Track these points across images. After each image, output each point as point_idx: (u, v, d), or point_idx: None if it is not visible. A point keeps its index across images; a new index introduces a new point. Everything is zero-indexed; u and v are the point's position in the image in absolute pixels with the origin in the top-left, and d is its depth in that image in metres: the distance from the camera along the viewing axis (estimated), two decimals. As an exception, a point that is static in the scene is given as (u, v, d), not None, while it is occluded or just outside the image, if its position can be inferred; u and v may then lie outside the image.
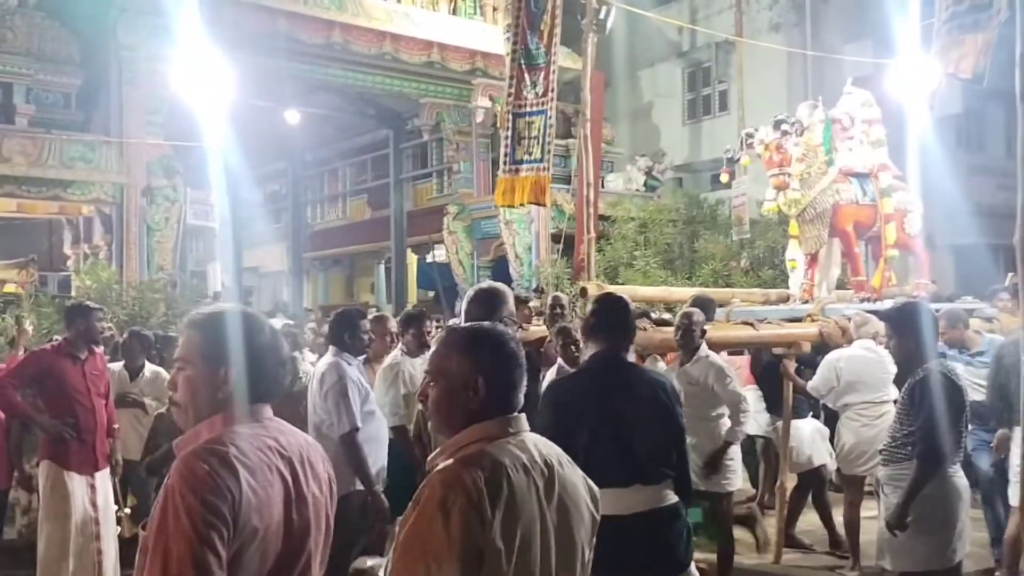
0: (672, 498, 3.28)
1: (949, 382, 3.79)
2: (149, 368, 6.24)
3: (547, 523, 1.85)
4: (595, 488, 2.07)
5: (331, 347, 4.74)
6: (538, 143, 7.56)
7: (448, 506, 1.72)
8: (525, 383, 2.00)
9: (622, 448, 3.21)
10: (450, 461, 1.84)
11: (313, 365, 5.82)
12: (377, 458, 4.62)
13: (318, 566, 1.99)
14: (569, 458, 2.04)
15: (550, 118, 7.63)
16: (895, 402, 4.26)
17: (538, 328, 6.68)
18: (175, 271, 11.43)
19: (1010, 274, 7.53)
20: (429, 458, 1.96)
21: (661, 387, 3.38)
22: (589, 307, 3.56)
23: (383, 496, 4.38)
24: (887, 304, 6.65)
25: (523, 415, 1.98)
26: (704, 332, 5.30)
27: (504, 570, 1.74)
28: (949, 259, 15.94)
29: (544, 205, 8.38)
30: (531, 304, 8.67)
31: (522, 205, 7.88)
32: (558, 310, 6.70)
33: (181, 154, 11.65)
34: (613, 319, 3.38)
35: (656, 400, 3.30)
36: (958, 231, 16.50)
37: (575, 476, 1.99)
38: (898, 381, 4.43)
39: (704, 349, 5.24)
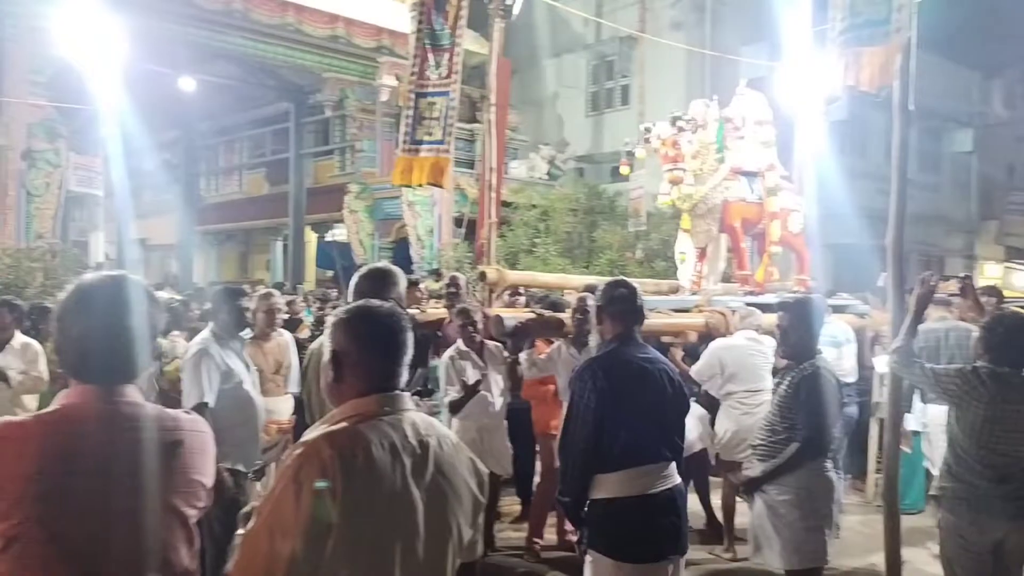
0: (678, 477, 3.42)
1: (834, 380, 3.92)
2: (19, 339, 5.94)
3: (413, 502, 1.87)
4: (483, 470, 2.10)
5: (209, 324, 4.71)
6: (439, 124, 7.51)
7: (301, 478, 1.74)
8: (406, 362, 2.00)
9: (656, 424, 3.33)
10: (315, 434, 1.86)
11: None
12: (250, 438, 4.58)
13: None
14: (454, 438, 2.07)
15: (452, 100, 7.60)
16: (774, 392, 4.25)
17: (435, 310, 6.71)
18: (55, 239, 10.90)
19: (883, 273, 8.00)
20: (306, 432, 1.97)
21: (670, 369, 3.53)
22: (601, 291, 3.60)
23: (227, 475, 4.28)
24: (770, 298, 6.97)
25: (404, 394, 1.99)
26: None
27: (354, 545, 1.75)
28: (829, 257, 16.72)
29: (442, 187, 8.36)
30: (426, 287, 8.69)
31: (420, 186, 7.83)
32: (453, 289, 6.74)
33: (66, 117, 11.10)
34: (624, 303, 3.48)
35: (669, 380, 3.43)
36: (839, 231, 17.36)
37: (456, 458, 2.01)
38: (776, 372, 4.41)
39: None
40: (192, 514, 1.97)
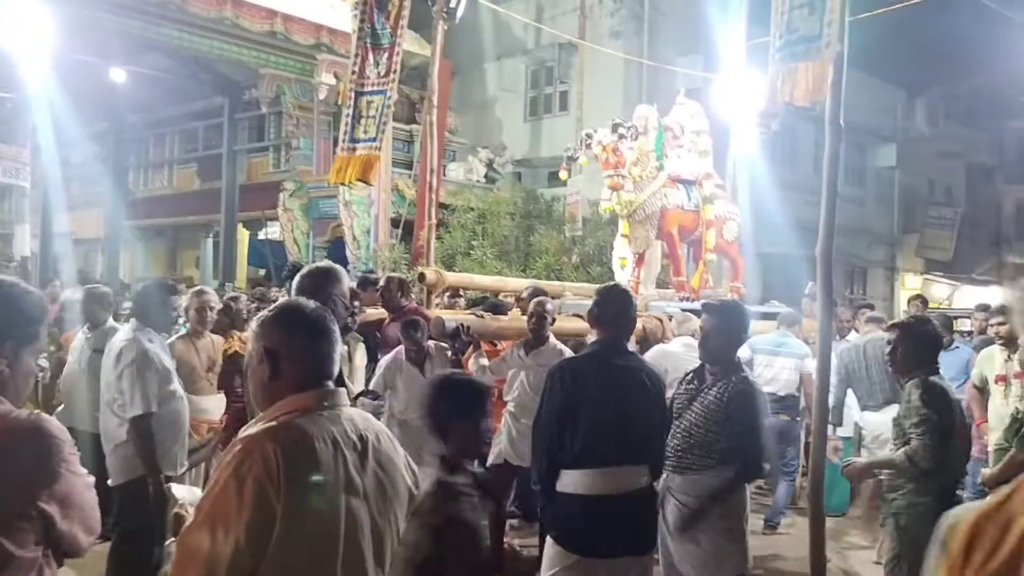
0: (647, 480, 3.51)
1: (763, 394, 3.89)
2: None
3: (358, 494, 1.90)
4: (414, 466, 2.16)
5: (132, 320, 4.58)
6: (375, 122, 7.52)
7: (243, 473, 1.74)
8: (337, 357, 2.03)
9: (618, 429, 3.39)
10: (255, 430, 1.87)
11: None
12: (176, 441, 4.50)
13: None
14: (389, 434, 2.11)
15: (389, 98, 7.61)
16: None
17: (375, 310, 6.68)
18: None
19: (810, 282, 8.25)
20: (242, 430, 1.98)
21: (652, 375, 3.60)
22: (595, 297, 3.71)
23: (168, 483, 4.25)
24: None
25: (341, 389, 2.02)
26: (554, 320, 5.53)
27: (298, 539, 1.77)
28: (760, 265, 17.14)
29: (370, 184, 8.37)
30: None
31: (351, 184, 7.82)
32: (387, 291, 6.70)
33: (-10, 105, 10.71)
34: (619, 308, 3.59)
35: (648, 387, 3.51)
36: (769, 240, 17.82)
37: (393, 452, 2.05)
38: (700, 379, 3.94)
39: (551, 337, 5.47)
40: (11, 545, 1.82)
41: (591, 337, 5.58)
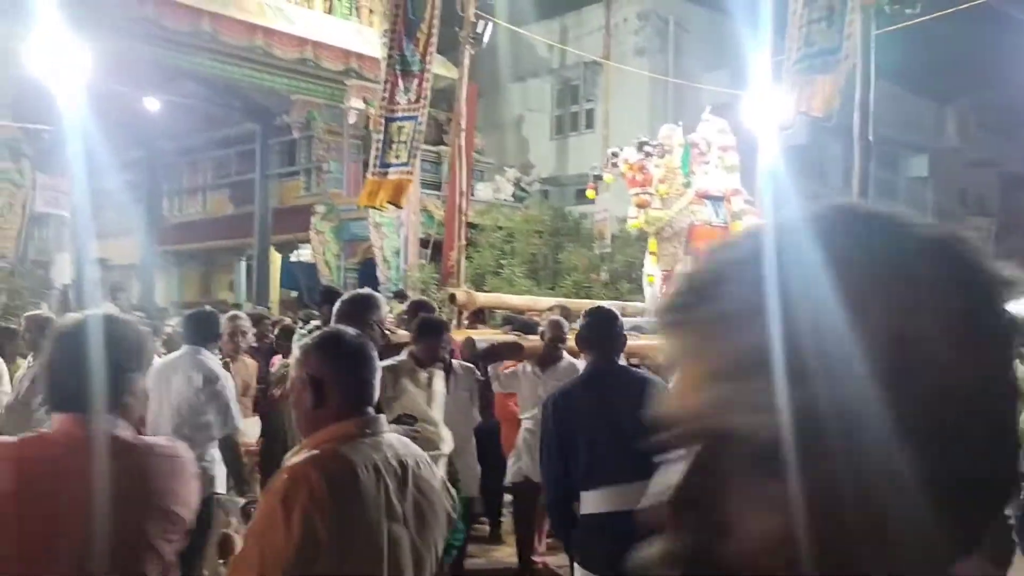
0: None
1: None
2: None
3: (398, 520, 1.94)
4: (453, 491, 2.21)
5: (188, 346, 4.66)
6: (406, 147, 7.64)
7: (290, 501, 1.79)
8: (377, 383, 2.08)
9: (623, 447, 3.37)
10: (301, 457, 1.92)
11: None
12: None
13: None
14: (428, 459, 2.16)
15: (420, 123, 7.73)
16: None
17: (404, 332, 6.74)
18: (14, 259, 10.76)
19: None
20: (287, 456, 2.04)
21: (652, 385, 3.61)
22: (581, 320, 3.78)
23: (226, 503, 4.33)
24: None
25: (381, 416, 2.08)
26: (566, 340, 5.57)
27: (342, 565, 1.81)
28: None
29: (400, 206, 8.48)
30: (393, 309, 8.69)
31: (383, 207, 7.94)
32: (413, 315, 6.75)
33: (31, 137, 10.98)
34: (603, 330, 3.64)
35: (647, 397, 3.49)
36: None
37: (432, 476, 2.10)
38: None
39: (565, 354, 5.51)
40: (165, 546, 1.93)
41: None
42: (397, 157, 7.71)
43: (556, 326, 5.53)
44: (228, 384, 4.48)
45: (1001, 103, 22.73)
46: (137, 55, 12.51)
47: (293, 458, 1.96)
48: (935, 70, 20.09)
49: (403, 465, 2.00)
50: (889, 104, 17.17)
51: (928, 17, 10.09)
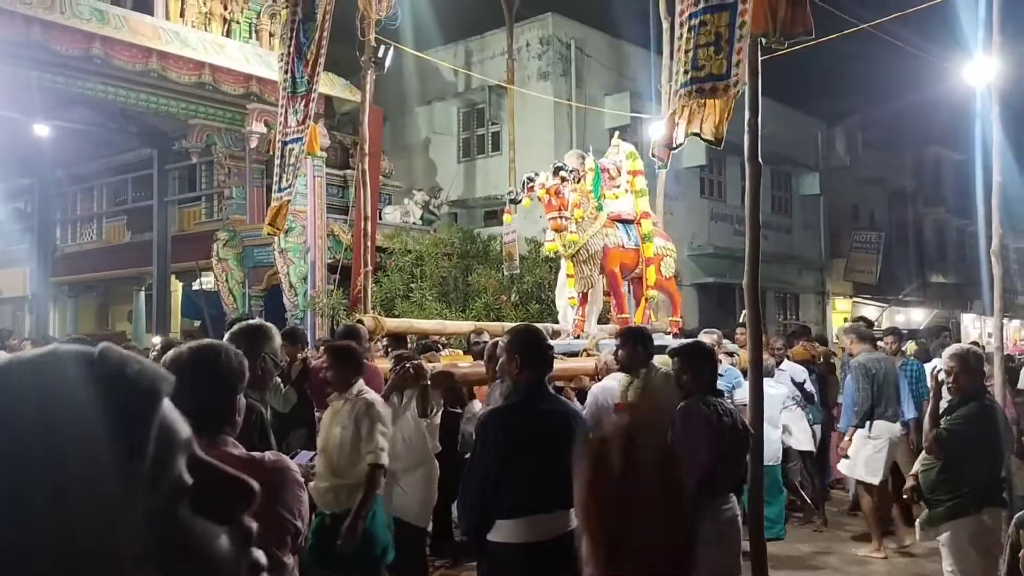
0: (574, 522, 3.47)
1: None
2: None
3: None
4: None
5: None
6: (293, 170, 7.54)
7: None
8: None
9: (550, 474, 3.27)
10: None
11: None
12: None
13: None
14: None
15: (303, 144, 7.64)
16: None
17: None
18: None
19: (744, 311, 8.47)
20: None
21: (577, 416, 3.63)
22: (505, 340, 3.66)
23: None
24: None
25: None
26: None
27: None
28: (693, 296, 17.50)
29: (279, 231, 8.38)
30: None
31: (271, 234, 7.81)
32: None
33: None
34: (533, 350, 3.53)
35: (574, 429, 3.47)
36: (701, 270, 18.23)
37: None
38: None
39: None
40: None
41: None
42: (286, 181, 7.59)
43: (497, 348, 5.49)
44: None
45: (886, 121, 24.01)
46: (24, 80, 11.99)
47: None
48: (823, 91, 21.10)
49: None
50: (781, 124, 17.90)
51: (815, 42, 10.59)
